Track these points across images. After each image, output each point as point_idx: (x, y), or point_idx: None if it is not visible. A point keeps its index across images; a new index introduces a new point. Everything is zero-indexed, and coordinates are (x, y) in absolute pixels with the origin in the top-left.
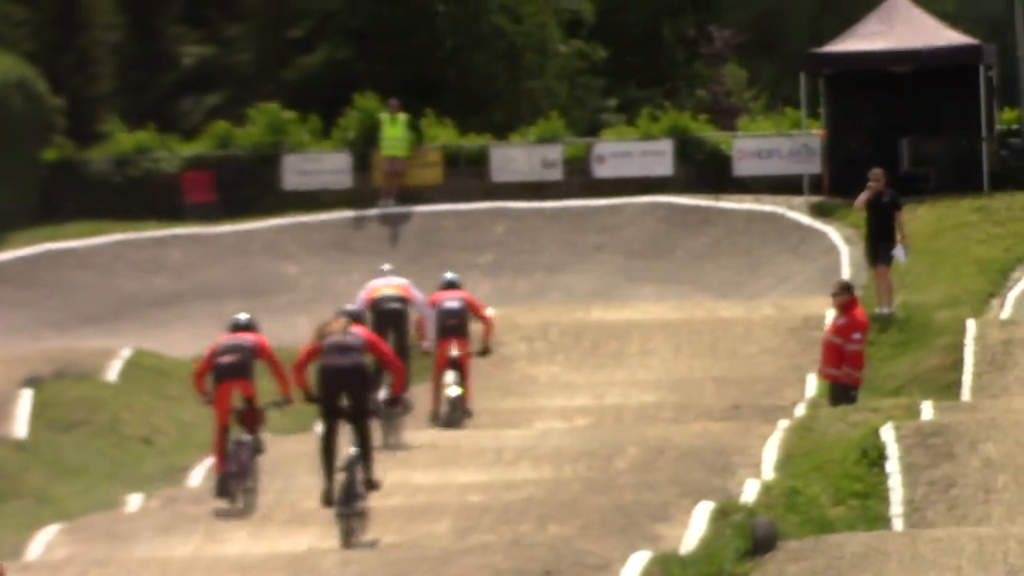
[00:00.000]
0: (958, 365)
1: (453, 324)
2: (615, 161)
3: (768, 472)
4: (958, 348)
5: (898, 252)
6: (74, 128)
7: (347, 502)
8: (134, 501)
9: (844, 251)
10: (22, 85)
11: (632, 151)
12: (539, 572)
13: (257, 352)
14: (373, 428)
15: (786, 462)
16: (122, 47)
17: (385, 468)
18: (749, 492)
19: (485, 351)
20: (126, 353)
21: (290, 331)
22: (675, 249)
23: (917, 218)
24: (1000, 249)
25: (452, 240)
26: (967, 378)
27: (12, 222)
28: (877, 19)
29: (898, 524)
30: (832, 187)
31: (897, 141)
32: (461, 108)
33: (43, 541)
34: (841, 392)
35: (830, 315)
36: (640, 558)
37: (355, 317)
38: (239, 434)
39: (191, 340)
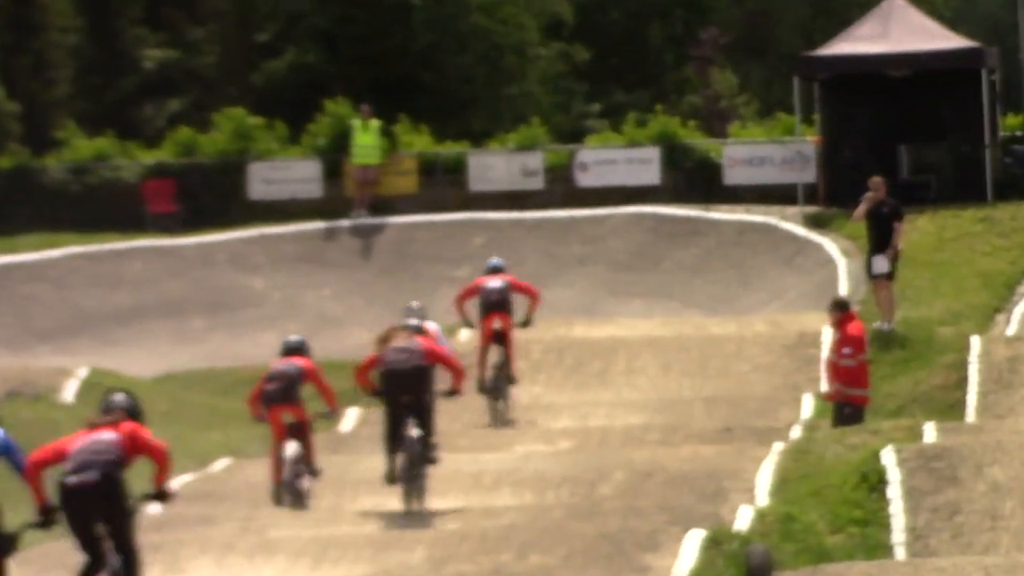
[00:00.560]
0: (962, 384)
1: (496, 300)
2: (599, 169)
3: (762, 498)
4: (962, 366)
5: (877, 261)
6: (29, 134)
7: (410, 474)
8: None
9: (841, 264)
10: None
11: (617, 159)
12: None
13: (304, 377)
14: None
15: (781, 487)
16: (80, 50)
17: (357, 496)
18: (742, 519)
19: (527, 322)
20: (83, 372)
21: (255, 348)
22: (663, 262)
23: (918, 229)
24: (1005, 261)
25: (427, 252)
26: (972, 398)
27: None
28: (873, 21)
29: (900, 553)
30: (828, 196)
31: (896, 148)
32: (437, 113)
33: None
34: (839, 412)
35: (827, 332)
36: None
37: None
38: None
39: (151, 358)
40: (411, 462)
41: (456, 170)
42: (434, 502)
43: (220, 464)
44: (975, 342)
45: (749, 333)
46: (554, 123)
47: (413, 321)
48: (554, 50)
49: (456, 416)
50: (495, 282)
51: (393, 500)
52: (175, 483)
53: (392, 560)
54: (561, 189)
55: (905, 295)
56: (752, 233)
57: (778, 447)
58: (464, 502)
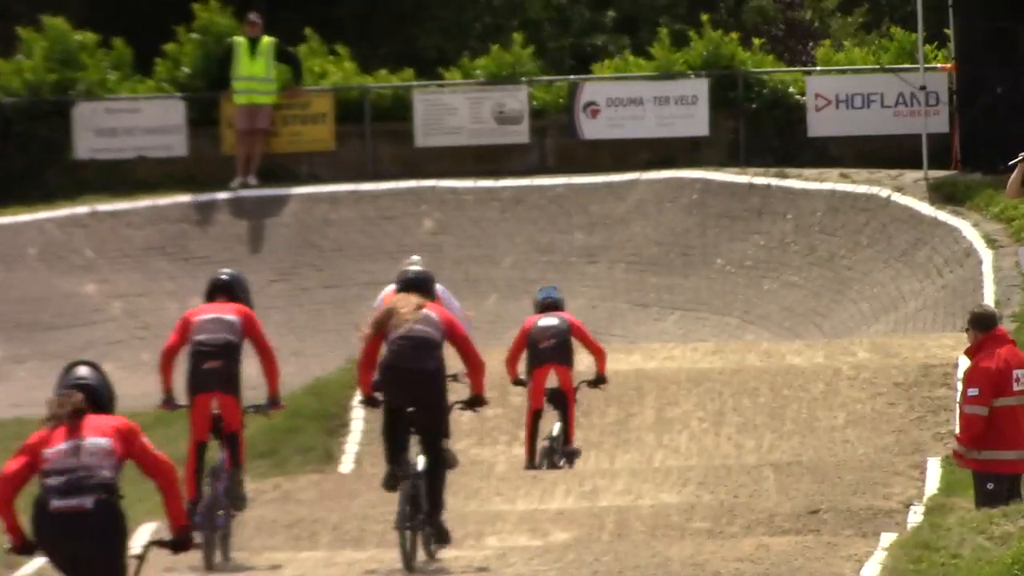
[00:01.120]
0: None
1: (551, 346)
2: (615, 113)
3: None
4: None
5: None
6: None
7: (411, 519)
8: None
9: (986, 258)
10: None
11: (643, 96)
12: None
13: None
14: None
15: None
16: None
17: None
18: None
19: (600, 380)
20: None
21: None
22: (713, 256)
23: None
24: None
25: (350, 242)
26: None
27: None
28: None
29: None
30: (966, 157)
31: None
32: (365, 28)
33: None
34: (980, 485)
35: (964, 363)
36: None
37: None
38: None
39: None
40: (412, 501)
41: (394, 115)
42: None
43: (32, 567)
44: None
45: (846, 365)
46: (545, 41)
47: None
48: None
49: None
50: (549, 320)
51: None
52: None
53: None
54: (556, 144)
55: None
56: (850, 212)
57: (888, 539)
58: None
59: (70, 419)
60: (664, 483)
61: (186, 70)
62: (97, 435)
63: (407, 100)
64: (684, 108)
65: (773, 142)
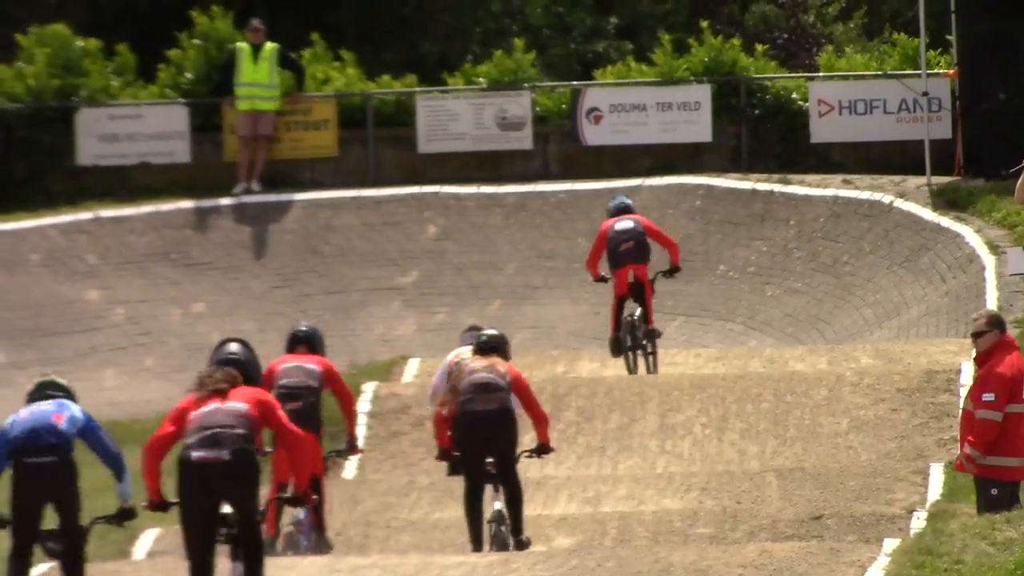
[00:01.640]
0: None
1: (630, 245)
2: (618, 119)
3: None
4: None
5: (1014, 254)
6: None
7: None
8: None
9: (989, 264)
10: None
11: (646, 103)
12: None
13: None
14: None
15: None
16: None
17: None
18: None
19: (674, 270)
20: None
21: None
22: (716, 262)
23: None
24: None
25: (352, 248)
26: None
27: None
28: None
29: None
30: (968, 163)
31: None
32: (368, 34)
33: None
34: (982, 491)
35: (968, 369)
36: None
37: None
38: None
39: None
40: (495, 543)
41: (397, 121)
42: None
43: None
44: None
45: (849, 371)
46: (548, 48)
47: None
48: None
49: (400, 496)
50: (625, 223)
51: None
52: None
53: None
54: (559, 150)
55: None
56: (853, 218)
57: (891, 545)
58: None
59: (221, 390)
60: (667, 489)
61: (189, 76)
62: (238, 401)
63: (410, 106)
64: (687, 114)
65: (776, 148)
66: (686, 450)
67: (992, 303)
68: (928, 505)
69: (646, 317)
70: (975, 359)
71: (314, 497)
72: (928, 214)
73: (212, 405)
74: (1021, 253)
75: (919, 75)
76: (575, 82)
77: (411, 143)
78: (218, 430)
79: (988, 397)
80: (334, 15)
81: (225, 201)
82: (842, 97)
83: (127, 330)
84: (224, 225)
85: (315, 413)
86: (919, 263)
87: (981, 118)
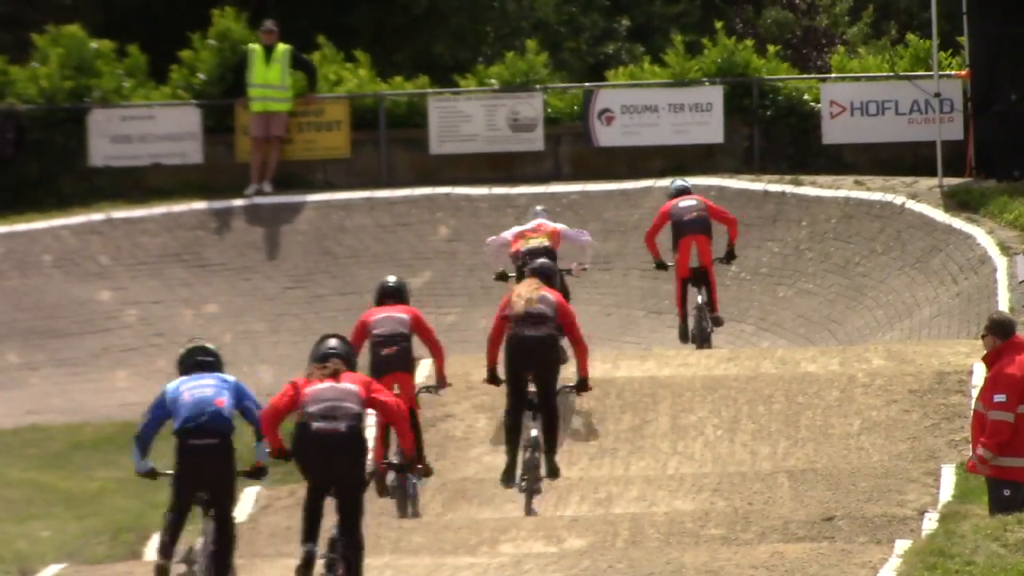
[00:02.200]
0: None
1: (692, 225)
2: (630, 120)
3: None
4: None
5: (1022, 261)
6: None
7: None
8: None
9: (1001, 265)
10: None
11: (658, 104)
12: None
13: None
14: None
15: None
16: None
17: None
18: None
19: (731, 255)
20: None
21: (102, 396)
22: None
23: None
24: None
25: (365, 248)
26: None
27: None
28: None
29: None
30: (980, 164)
31: None
32: (381, 35)
33: None
34: (994, 492)
35: (980, 370)
36: None
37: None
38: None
39: None
40: (527, 468)
41: (410, 122)
42: None
43: (47, 574)
44: None
45: (860, 372)
46: (560, 50)
47: (539, 220)
48: None
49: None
50: (688, 200)
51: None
52: None
53: None
54: (571, 151)
55: None
56: (865, 219)
57: (903, 546)
58: None
59: (335, 373)
60: (679, 490)
61: (201, 77)
62: (349, 383)
63: (422, 107)
64: (699, 115)
65: (788, 149)
66: (698, 451)
67: (1004, 304)
68: (940, 506)
69: (711, 304)
70: (983, 359)
71: (420, 467)
72: (940, 215)
73: (327, 384)
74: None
75: (931, 76)
76: (587, 83)
77: (423, 144)
78: (335, 405)
79: (999, 398)
80: (347, 16)
81: (237, 202)
82: (854, 98)
83: (139, 331)
84: (236, 226)
85: (408, 356)
86: (931, 264)
87: (993, 119)
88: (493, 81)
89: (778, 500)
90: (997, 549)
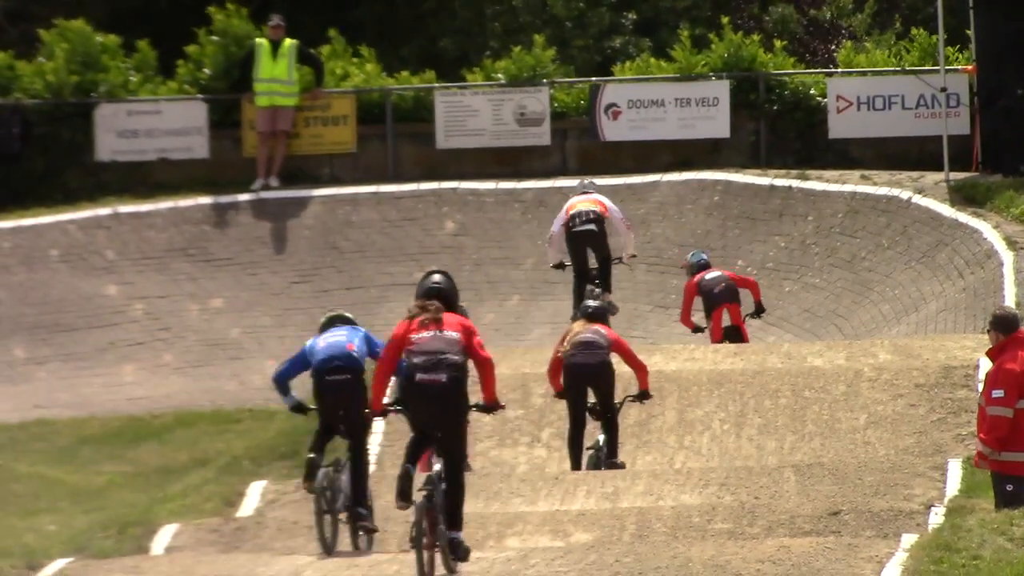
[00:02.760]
0: None
1: (722, 292)
2: (636, 115)
3: None
4: None
5: None
6: None
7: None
8: None
9: (1007, 260)
10: None
11: (664, 98)
12: None
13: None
14: None
15: None
16: None
17: None
18: None
19: (760, 310)
20: None
21: (109, 391)
22: (734, 257)
23: None
24: None
25: (371, 243)
26: None
27: None
28: None
29: None
30: (986, 159)
31: None
32: (387, 30)
33: None
34: (999, 487)
35: (986, 364)
36: None
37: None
38: None
39: None
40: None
41: (416, 117)
42: None
43: (54, 568)
44: None
45: (867, 367)
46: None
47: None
48: None
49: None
50: (713, 274)
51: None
52: None
53: None
54: (578, 146)
55: None
56: (871, 213)
57: (909, 541)
58: None
59: (431, 319)
60: (685, 484)
61: (208, 72)
62: (451, 330)
63: (429, 102)
64: (705, 110)
65: (794, 144)
66: (704, 445)
67: (1010, 299)
68: (946, 501)
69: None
70: (987, 353)
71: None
72: (946, 210)
73: (431, 332)
74: None
75: (937, 71)
76: (594, 78)
77: (430, 139)
78: (439, 356)
79: (998, 393)
80: (353, 11)
81: (244, 197)
82: (860, 93)
83: (146, 326)
84: (243, 221)
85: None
86: (937, 259)
87: (999, 114)
88: (500, 76)
89: (784, 494)
90: (1003, 543)
